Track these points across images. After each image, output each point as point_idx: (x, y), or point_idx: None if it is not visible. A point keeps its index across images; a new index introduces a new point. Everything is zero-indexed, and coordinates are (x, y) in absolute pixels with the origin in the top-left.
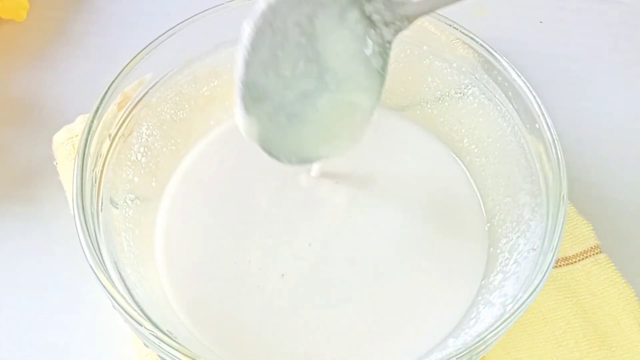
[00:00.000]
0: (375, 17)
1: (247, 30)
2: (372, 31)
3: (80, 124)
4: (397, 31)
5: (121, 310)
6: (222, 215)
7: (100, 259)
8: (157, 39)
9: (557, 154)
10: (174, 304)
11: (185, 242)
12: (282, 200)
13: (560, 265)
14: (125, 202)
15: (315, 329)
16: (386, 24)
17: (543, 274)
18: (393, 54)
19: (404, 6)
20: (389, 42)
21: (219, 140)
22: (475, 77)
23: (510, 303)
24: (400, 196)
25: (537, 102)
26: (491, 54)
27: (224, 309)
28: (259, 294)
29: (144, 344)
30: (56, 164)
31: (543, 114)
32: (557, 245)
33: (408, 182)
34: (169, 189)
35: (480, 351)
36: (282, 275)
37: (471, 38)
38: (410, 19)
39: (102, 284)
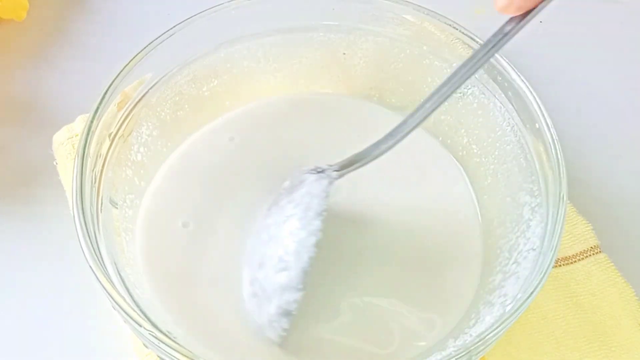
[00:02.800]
0: None
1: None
2: None
3: (80, 124)
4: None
5: (120, 310)
6: (208, 215)
7: (100, 259)
8: (157, 39)
9: (557, 154)
10: (158, 303)
11: (168, 242)
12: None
13: (560, 265)
14: (125, 202)
15: (314, 331)
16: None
17: (543, 274)
18: (393, 53)
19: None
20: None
21: (210, 137)
22: (476, 77)
23: (510, 303)
24: (400, 196)
25: (537, 102)
26: None
27: (211, 312)
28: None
29: (144, 344)
30: (56, 164)
31: (543, 114)
32: (557, 245)
33: (408, 182)
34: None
35: (480, 351)
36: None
37: (471, 38)
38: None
39: (101, 284)
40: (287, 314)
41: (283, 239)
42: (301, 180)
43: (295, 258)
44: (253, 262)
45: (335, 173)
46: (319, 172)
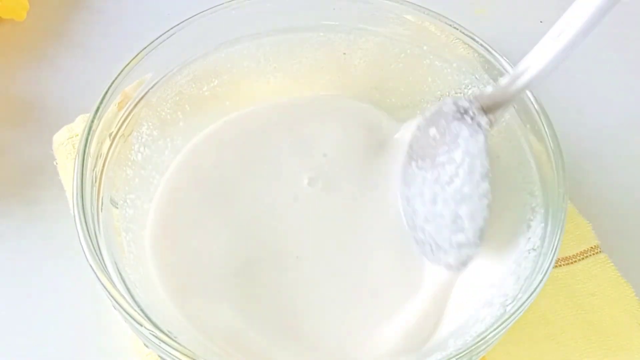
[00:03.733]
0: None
1: None
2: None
3: (80, 124)
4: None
5: (121, 310)
6: (220, 214)
7: (100, 259)
8: (157, 39)
9: (557, 154)
10: (170, 303)
11: (181, 241)
12: (280, 200)
13: (560, 265)
14: (126, 202)
15: (316, 332)
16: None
17: (543, 274)
18: (393, 53)
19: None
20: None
21: (216, 138)
22: (475, 77)
23: (510, 303)
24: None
25: (537, 102)
26: (491, 54)
27: (223, 309)
28: (258, 293)
29: (144, 344)
30: (56, 164)
31: (543, 114)
32: (557, 245)
33: None
34: (162, 187)
35: (480, 351)
36: (284, 275)
37: (471, 38)
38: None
39: (102, 284)
40: (466, 262)
41: (452, 202)
42: (452, 132)
43: (470, 221)
44: (417, 212)
45: (485, 121)
46: (462, 113)
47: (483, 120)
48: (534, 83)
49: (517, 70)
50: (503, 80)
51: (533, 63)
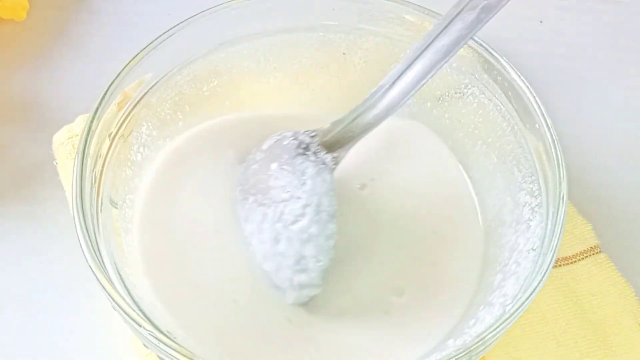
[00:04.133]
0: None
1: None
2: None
3: (80, 124)
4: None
5: (120, 310)
6: (205, 214)
7: (100, 259)
8: (157, 39)
9: (557, 154)
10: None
11: (167, 245)
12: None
13: (560, 265)
14: (125, 202)
15: (312, 331)
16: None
17: (543, 274)
18: (393, 53)
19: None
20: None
21: (196, 140)
22: (475, 77)
23: (510, 303)
24: (398, 196)
25: (537, 102)
26: (491, 54)
27: (213, 313)
28: (241, 293)
29: (144, 345)
30: (56, 164)
31: (543, 114)
32: (557, 245)
33: (406, 181)
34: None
35: (480, 351)
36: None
37: (471, 38)
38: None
39: (101, 284)
40: (304, 304)
41: (297, 242)
42: (297, 169)
43: (315, 262)
44: (256, 253)
45: (330, 159)
46: (304, 148)
47: (328, 158)
48: (378, 121)
49: (357, 109)
50: (342, 118)
51: (376, 100)
